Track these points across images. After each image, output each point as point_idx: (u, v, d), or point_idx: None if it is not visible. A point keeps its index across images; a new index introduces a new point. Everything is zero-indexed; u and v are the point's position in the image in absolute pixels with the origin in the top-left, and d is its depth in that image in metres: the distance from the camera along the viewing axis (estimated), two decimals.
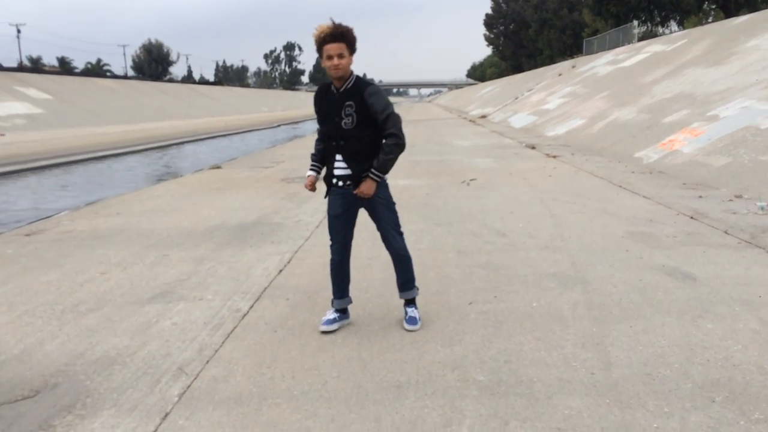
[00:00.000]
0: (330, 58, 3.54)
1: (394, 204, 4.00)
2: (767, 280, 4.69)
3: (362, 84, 3.71)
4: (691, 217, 6.97)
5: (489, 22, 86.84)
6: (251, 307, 4.49)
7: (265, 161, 15.56)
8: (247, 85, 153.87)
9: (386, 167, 3.74)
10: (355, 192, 3.78)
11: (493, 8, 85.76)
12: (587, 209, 7.62)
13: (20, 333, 4.08)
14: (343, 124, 3.68)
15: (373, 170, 3.72)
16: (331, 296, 4.08)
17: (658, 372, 3.25)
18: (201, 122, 47.63)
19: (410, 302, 4.07)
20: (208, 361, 3.57)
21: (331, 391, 3.16)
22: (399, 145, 3.70)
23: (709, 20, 43.43)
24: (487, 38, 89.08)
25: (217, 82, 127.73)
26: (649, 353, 3.48)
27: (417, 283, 4.49)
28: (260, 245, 6.33)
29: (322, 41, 3.53)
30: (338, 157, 3.80)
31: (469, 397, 3.05)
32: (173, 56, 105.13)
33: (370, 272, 5.26)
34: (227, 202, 9.08)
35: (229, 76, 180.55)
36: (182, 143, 31.55)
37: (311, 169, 4.04)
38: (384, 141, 3.70)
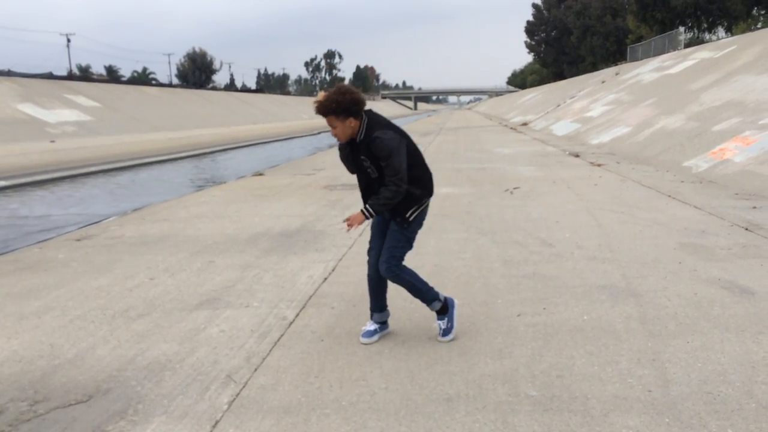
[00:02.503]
0: (331, 126, 3.69)
1: (408, 240, 4.04)
2: None
3: (369, 135, 3.69)
4: (746, 229, 6.74)
5: (530, 29, 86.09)
6: (297, 315, 4.49)
7: (306, 168, 15.67)
8: (288, 93, 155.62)
9: (379, 210, 3.76)
10: (344, 221, 3.88)
11: (534, 15, 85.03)
12: (636, 219, 7.43)
13: (73, 337, 4.16)
14: (369, 173, 3.76)
15: (366, 206, 3.77)
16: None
17: (719, 391, 3.12)
18: (243, 129, 48.32)
19: (441, 313, 3.98)
20: (256, 369, 3.57)
21: (380, 403, 3.12)
22: (398, 194, 3.70)
23: (758, 26, 42.22)
24: (528, 45, 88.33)
25: (259, 89, 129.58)
26: (708, 371, 3.35)
27: (464, 294, 4.44)
28: (304, 253, 6.34)
29: (317, 111, 3.68)
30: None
31: (522, 412, 2.98)
32: (216, 64, 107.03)
33: None
34: (270, 209, 9.15)
35: (270, 83, 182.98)
36: (225, 150, 32.04)
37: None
38: (384, 187, 3.70)
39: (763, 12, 45.43)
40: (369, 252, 4.03)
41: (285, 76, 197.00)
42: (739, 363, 3.43)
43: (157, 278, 5.54)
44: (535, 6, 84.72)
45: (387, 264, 3.90)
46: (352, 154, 3.80)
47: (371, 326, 4.00)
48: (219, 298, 4.91)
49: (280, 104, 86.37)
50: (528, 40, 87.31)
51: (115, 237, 7.50)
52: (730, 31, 45.07)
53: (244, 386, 3.36)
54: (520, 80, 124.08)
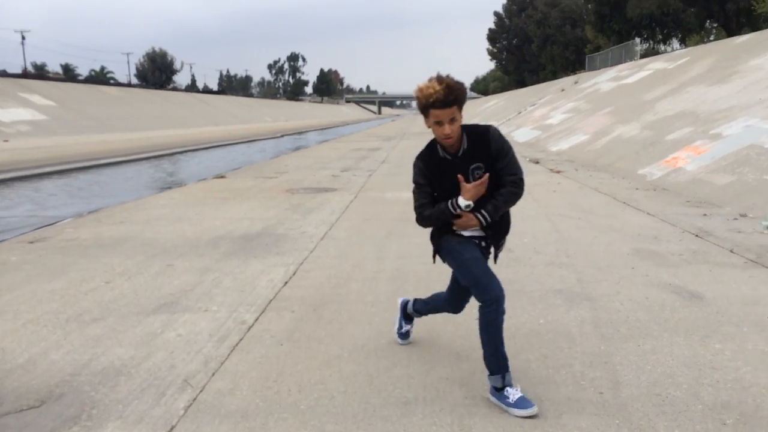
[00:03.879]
0: (439, 124, 3.00)
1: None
2: None
3: (477, 133, 3.14)
4: (696, 235, 6.96)
5: (492, 37, 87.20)
6: (257, 319, 4.47)
7: (269, 171, 15.58)
8: (251, 95, 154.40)
9: (496, 214, 3.16)
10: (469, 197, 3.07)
11: (496, 23, 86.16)
12: (592, 225, 7.61)
13: (25, 342, 4.06)
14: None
15: (484, 212, 3.13)
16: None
17: (668, 393, 3.22)
18: (204, 131, 47.77)
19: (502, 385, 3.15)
20: (213, 374, 3.55)
21: (338, 407, 3.14)
22: (518, 196, 3.17)
23: (711, 38, 43.62)
24: (490, 52, 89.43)
25: (221, 91, 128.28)
26: (658, 373, 3.46)
27: (424, 297, 4.47)
28: (265, 256, 6.32)
29: (429, 105, 2.97)
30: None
31: (478, 415, 3.03)
32: (177, 65, 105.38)
33: (377, 285, 5.24)
34: (231, 212, 9.07)
35: (232, 85, 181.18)
36: (186, 152, 31.61)
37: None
38: (506, 187, 3.13)
39: (715, 25, 46.91)
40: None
41: (248, 78, 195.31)
42: (686, 366, 3.55)
43: (113, 282, 5.45)
44: (496, 14, 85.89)
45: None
46: (452, 170, 3.10)
47: (406, 326, 3.93)
48: (177, 302, 4.86)
49: (243, 106, 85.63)
50: (490, 47, 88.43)
51: (70, 239, 7.35)
52: (683, 42, 46.43)
53: (201, 391, 3.33)
54: (482, 87, 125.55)
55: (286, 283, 5.38)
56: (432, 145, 3.21)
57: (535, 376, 3.44)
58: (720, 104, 14.31)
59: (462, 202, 3.09)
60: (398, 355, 3.77)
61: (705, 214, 8.12)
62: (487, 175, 3.06)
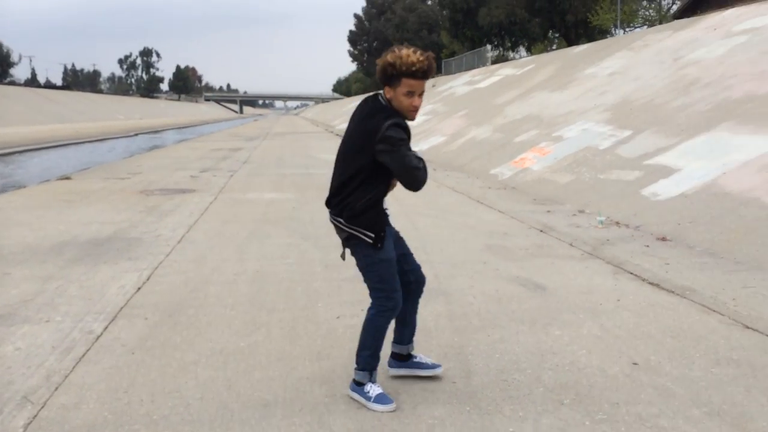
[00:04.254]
0: (411, 95, 2.97)
1: None
2: (607, 289, 5.14)
3: None
4: (541, 231, 7.49)
5: (353, 39, 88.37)
6: (106, 328, 4.22)
7: (121, 172, 14.73)
8: (101, 91, 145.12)
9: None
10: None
11: (356, 25, 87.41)
12: (448, 223, 7.95)
13: None
14: None
15: None
16: (370, 369, 3.19)
17: (513, 378, 3.45)
18: (47, 129, 44.19)
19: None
20: (57, 388, 3.31)
21: (194, 414, 3.05)
22: None
23: (554, 47, 47.04)
24: (351, 54, 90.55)
25: (66, 86, 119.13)
26: (505, 360, 3.69)
27: (285, 298, 4.41)
28: (116, 262, 5.98)
29: (409, 73, 2.90)
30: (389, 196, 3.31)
31: (337, 412, 3.07)
32: (14, 57, 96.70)
33: (236, 288, 5.14)
34: (78, 216, 8.49)
35: (79, 80, 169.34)
36: (25, 152, 29.08)
37: None
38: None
39: (557, 35, 50.64)
40: (398, 293, 3.18)
41: (96, 73, 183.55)
42: (530, 352, 3.82)
43: None
44: (356, 17, 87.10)
45: None
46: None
47: (378, 388, 3.18)
48: (15, 314, 4.47)
49: (92, 103, 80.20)
50: (351, 49, 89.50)
51: None
52: (529, 50, 49.70)
53: (42, 407, 3.09)
54: (345, 88, 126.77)
55: (139, 289, 5.12)
56: (394, 112, 3.05)
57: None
58: (561, 109, 15.48)
59: None
60: (258, 358, 3.72)
61: (549, 211, 8.76)
62: None
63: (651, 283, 5.26)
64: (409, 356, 3.45)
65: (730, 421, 2.96)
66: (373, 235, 3.09)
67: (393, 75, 2.93)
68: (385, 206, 3.25)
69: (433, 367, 3.44)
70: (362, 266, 3.17)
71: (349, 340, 4.00)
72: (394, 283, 3.15)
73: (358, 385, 3.18)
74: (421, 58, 2.89)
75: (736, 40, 13.14)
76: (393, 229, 3.29)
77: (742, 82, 10.47)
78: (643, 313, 4.50)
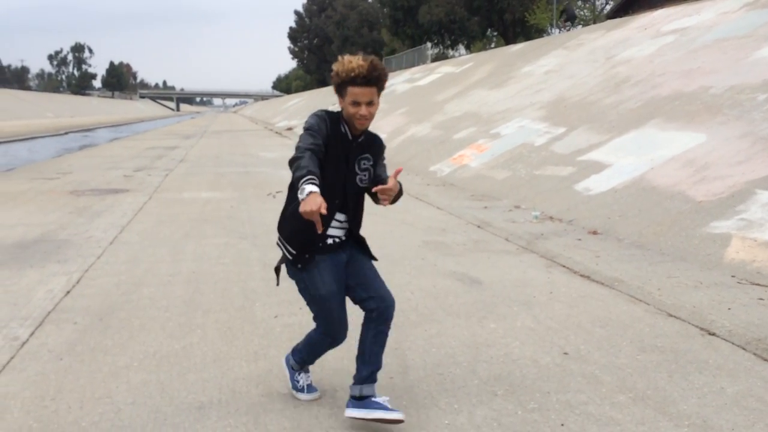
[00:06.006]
0: (356, 104, 2.73)
1: None
2: (540, 282, 5.28)
3: (373, 133, 3.00)
4: (478, 226, 7.62)
5: (293, 36, 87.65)
6: (32, 333, 4.06)
7: (50, 172, 14.18)
8: (29, 88, 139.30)
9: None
10: (384, 189, 2.75)
11: (297, 22, 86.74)
12: (387, 220, 7.98)
13: None
14: (358, 180, 2.91)
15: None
16: (301, 364, 3.17)
17: (449, 371, 3.50)
18: None
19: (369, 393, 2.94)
20: None
21: (125, 419, 2.97)
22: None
23: (492, 45, 47.92)
24: (291, 51, 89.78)
25: None
26: (441, 354, 3.74)
27: (221, 299, 4.30)
28: (43, 265, 5.75)
29: (349, 81, 2.72)
30: (341, 217, 2.93)
31: (274, 411, 3.05)
32: None
33: (171, 289, 5.03)
34: (2, 218, 8.12)
35: (6, 77, 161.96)
36: None
37: (314, 183, 2.52)
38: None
39: (495, 33, 51.54)
40: (335, 327, 2.95)
41: (24, 69, 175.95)
42: (466, 345, 3.88)
43: None
44: (297, 13, 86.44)
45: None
46: (344, 150, 2.84)
47: (308, 379, 3.20)
48: None
49: (19, 101, 76.85)
50: (292, 46, 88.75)
51: None
52: (469, 48, 50.41)
53: None
54: (285, 85, 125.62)
55: (68, 292, 4.95)
56: (336, 117, 2.85)
57: (331, 368, 3.53)
58: (499, 106, 15.77)
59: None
60: (193, 360, 3.66)
61: (486, 207, 8.91)
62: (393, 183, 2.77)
63: (582, 276, 5.43)
64: (366, 397, 2.92)
65: (653, 405, 3.09)
66: (294, 252, 2.85)
67: (338, 84, 2.78)
68: (333, 232, 2.90)
69: (395, 411, 2.88)
70: (298, 289, 2.98)
71: (287, 339, 3.98)
72: (330, 320, 2.91)
73: (293, 370, 3.20)
74: (361, 63, 2.70)
75: (664, 40, 13.67)
76: (343, 256, 2.95)
77: (670, 80, 10.91)
78: (574, 305, 4.64)
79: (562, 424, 2.92)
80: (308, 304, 2.98)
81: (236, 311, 4.53)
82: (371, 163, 2.93)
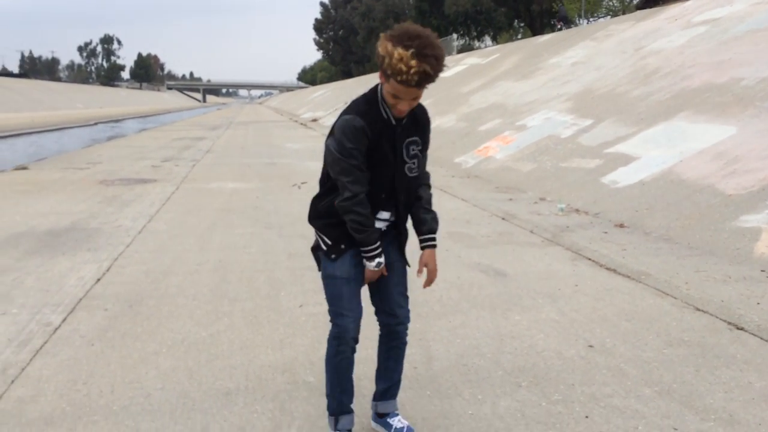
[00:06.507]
0: (396, 98, 2.36)
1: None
2: (566, 274, 5.25)
3: (419, 107, 2.56)
4: (503, 218, 7.59)
5: (319, 27, 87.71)
6: (64, 319, 4.16)
7: (80, 162, 14.43)
8: (59, 79, 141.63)
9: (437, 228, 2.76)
10: (423, 270, 2.81)
11: (322, 14, 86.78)
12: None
13: None
14: (407, 169, 2.55)
15: (431, 235, 2.76)
16: (331, 413, 2.70)
17: (473, 362, 3.51)
18: (2, 118, 42.95)
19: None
20: (13, 381, 3.26)
21: (154, 404, 3.04)
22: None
23: (519, 36, 47.49)
24: (317, 43, 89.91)
25: (23, 74, 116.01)
26: (465, 345, 3.75)
27: (247, 288, 4.33)
28: (75, 253, 5.88)
29: (395, 79, 2.28)
30: (384, 215, 2.63)
31: (299, 398, 3.09)
32: None
33: (198, 278, 5.11)
34: (35, 207, 8.30)
35: (37, 68, 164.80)
36: None
37: (381, 253, 2.58)
38: (424, 190, 2.70)
39: (522, 24, 51.05)
40: (347, 311, 2.62)
41: (54, 61, 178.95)
42: (490, 337, 3.89)
43: None
44: (322, 5, 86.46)
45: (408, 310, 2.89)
46: (390, 140, 2.47)
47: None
48: None
49: (50, 91, 78.14)
50: (317, 37, 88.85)
51: None
52: (495, 40, 50.00)
53: None
54: (310, 77, 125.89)
55: (98, 280, 5.05)
56: (374, 101, 2.47)
57: (357, 358, 3.56)
58: (525, 98, 15.64)
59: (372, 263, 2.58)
60: (220, 347, 3.72)
61: (511, 199, 8.87)
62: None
63: (608, 269, 5.39)
64: (383, 414, 2.81)
65: (679, 399, 3.07)
66: (330, 243, 2.63)
67: (383, 68, 2.33)
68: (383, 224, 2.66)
69: None
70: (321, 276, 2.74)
71: (311, 328, 4.02)
72: (341, 305, 2.61)
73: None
74: (413, 69, 2.21)
75: (695, 31, 13.43)
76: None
77: (700, 71, 10.72)
78: (599, 298, 4.61)
79: (587, 416, 2.91)
80: (326, 296, 2.68)
81: (262, 300, 4.59)
82: (419, 147, 2.57)
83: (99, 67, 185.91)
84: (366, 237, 2.50)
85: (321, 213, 2.63)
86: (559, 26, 34.13)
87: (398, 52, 2.22)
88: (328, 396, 2.69)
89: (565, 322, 4.12)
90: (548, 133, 11.82)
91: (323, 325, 4.00)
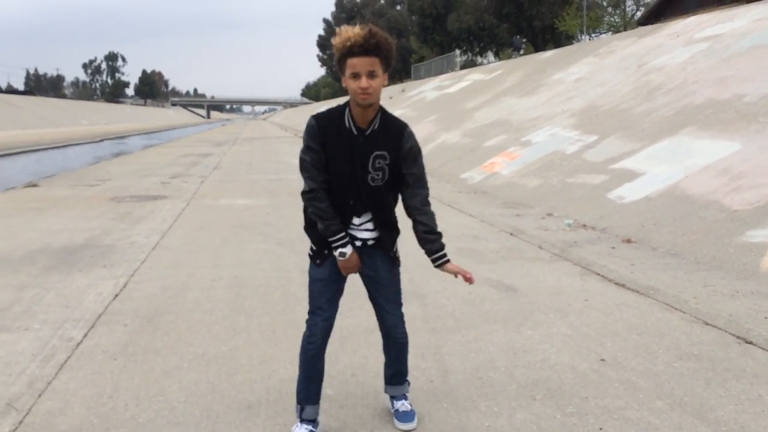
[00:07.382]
0: (356, 76, 2.55)
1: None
2: (575, 289, 5.33)
3: (393, 123, 2.76)
4: (511, 234, 7.68)
5: (322, 43, 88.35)
6: (85, 335, 4.26)
7: (89, 179, 14.58)
8: (64, 96, 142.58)
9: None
10: (468, 279, 2.99)
11: (325, 30, 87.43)
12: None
13: None
14: (369, 179, 2.71)
15: (442, 252, 3.03)
16: (298, 401, 2.94)
17: (488, 376, 3.59)
18: (9, 135, 43.29)
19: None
20: (40, 395, 3.35)
21: (179, 416, 3.12)
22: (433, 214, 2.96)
23: (521, 53, 47.81)
24: (320, 59, 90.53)
25: (28, 91, 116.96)
26: (480, 359, 3.83)
27: (263, 303, 4.44)
28: (91, 269, 5.98)
29: (346, 51, 2.54)
30: (357, 221, 2.81)
31: (320, 411, 3.17)
32: None
33: (214, 294, 5.20)
34: (48, 224, 8.43)
35: (42, 85, 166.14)
36: None
37: (345, 243, 2.78)
38: (424, 215, 2.93)
39: (524, 40, 51.37)
40: (319, 309, 2.94)
41: (59, 78, 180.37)
42: (503, 351, 3.97)
43: None
44: (326, 21, 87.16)
45: (403, 322, 3.06)
46: (351, 149, 2.66)
47: (303, 430, 2.88)
48: None
49: (56, 108, 78.75)
50: (321, 53, 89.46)
51: None
52: (498, 56, 50.33)
53: (27, 413, 3.14)
54: (313, 92, 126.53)
55: (116, 296, 5.15)
56: (340, 110, 2.71)
57: (372, 370, 3.65)
58: (529, 114, 15.78)
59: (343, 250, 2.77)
60: (240, 361, 3.81)
61: (518, 215, 8.96)
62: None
63: (617, 284, 5.47)
64: (392, 397, 3.12)
65: (690, 411, 3.14)
66: (315, 248, 2.86)
67: (339, 59, 2.59)
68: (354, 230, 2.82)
69: (403, 420, 2.99)
70: None
71: (329, 342, 4.09)
72: (313, 303, 2.91)
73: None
74: (357, 31, 2.52)
75: (697, 47, 13.57)
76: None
77: (703, 88, 10.84)
78: (609, 312, 4.69)
79: (601, 428, 2.99)
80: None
81: (278, 315, 4.68)
82: (387, 162, 2.69)
83: (103, 83, 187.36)
84: (325, 228, 2.75)
85: (308, 221, 2.89)
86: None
87: (344, 27, 2.59)
88: (297, 384, 2.96)
89: (577, 337, 4.20)
90: (553, 148, 11.94)
91: (339, 340, 4.10)
